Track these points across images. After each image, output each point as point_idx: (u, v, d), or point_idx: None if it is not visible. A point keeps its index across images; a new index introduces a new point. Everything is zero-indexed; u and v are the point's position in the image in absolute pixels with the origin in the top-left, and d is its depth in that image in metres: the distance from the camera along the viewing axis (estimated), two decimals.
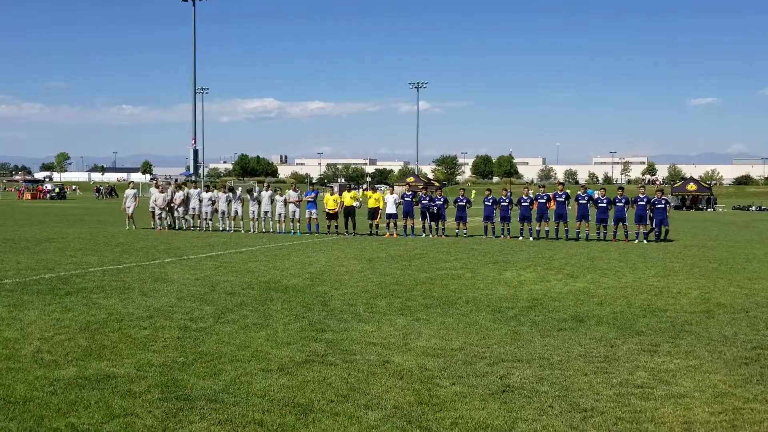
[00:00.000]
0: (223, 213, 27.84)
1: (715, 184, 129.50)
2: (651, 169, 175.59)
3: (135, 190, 29.32)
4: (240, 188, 31.07)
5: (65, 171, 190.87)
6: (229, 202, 27.82)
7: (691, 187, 70.27)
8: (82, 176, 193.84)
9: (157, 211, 28.33)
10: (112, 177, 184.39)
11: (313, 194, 28.01)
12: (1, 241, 21.52)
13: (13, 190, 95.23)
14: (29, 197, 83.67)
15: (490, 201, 26.53)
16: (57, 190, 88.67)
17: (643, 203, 24.82)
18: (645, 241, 24.24)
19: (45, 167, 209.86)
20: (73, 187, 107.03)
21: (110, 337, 8.57)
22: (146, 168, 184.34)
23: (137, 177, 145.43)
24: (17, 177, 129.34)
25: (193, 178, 65.10)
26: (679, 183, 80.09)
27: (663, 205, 24.74)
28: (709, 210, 67.10)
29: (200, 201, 28.36)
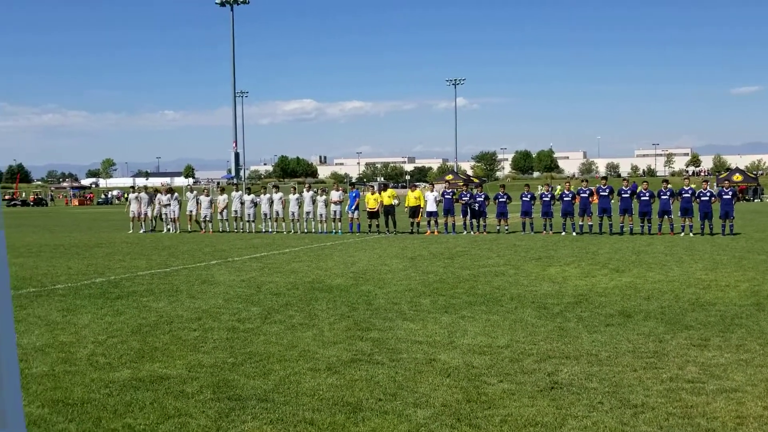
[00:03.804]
0: (265, 215, 28.14)
1: (762, 173, 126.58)
2: (695, 161, 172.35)
3: (148, 195, 29.63)
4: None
5: (110, 177, 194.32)
6: (271, 203, 28.08)
7: (737, 177, 68.90)
8: (127, 182, 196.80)
9: (203, 214, 28.86)
10: (156, 182, 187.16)
11: (354, 194, 28.16)
12: (52, 247, 22.04)
13: (61, 197, 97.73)
14: (77, 203, 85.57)
15: (528, 197, 26.41)
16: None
17: (688, 195, 24.46)
18: (691, 234, 23.88)
19: (91, 174, 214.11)
20: (122, 191, 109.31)
21: (161, 339, 8.75)
22: (189, 172, 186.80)
23: (180, 181, 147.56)
24: (65, 184, 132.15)
25: (235, 181, 66.02)
26: (725, 174, 78.58)
27: (708, 198, 24.36)
28: (756, 201, 65.75)
29: (242, 203, 28.75)
